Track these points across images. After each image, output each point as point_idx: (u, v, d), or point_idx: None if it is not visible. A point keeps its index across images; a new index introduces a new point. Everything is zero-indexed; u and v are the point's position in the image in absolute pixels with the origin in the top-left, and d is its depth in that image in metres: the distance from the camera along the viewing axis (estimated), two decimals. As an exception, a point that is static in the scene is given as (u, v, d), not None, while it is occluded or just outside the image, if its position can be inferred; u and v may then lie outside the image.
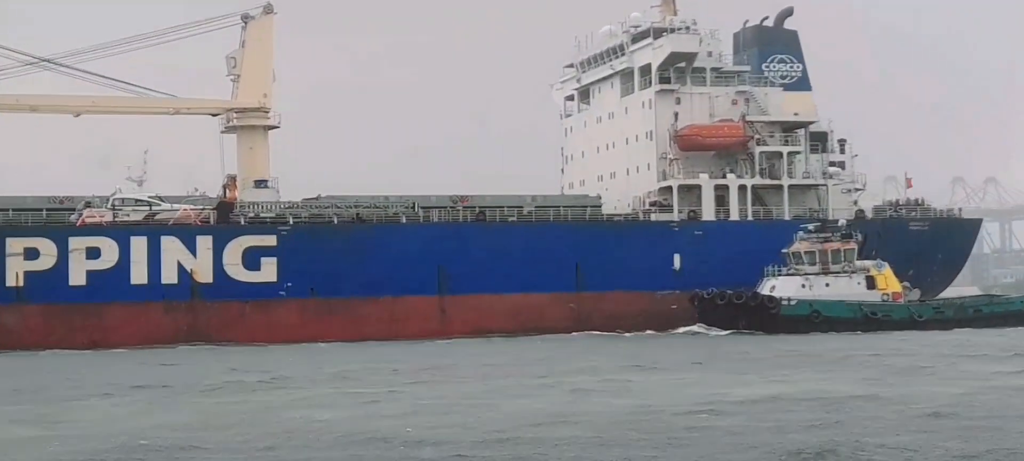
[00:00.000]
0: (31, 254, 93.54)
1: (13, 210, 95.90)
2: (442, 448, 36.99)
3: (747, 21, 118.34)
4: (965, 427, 39.46)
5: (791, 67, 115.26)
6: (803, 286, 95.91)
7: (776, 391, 50.74)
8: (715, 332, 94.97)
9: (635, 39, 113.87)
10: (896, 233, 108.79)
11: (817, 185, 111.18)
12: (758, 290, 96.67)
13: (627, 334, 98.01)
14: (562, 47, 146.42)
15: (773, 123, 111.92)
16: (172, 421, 44.66)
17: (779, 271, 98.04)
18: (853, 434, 38.06)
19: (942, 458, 34.34)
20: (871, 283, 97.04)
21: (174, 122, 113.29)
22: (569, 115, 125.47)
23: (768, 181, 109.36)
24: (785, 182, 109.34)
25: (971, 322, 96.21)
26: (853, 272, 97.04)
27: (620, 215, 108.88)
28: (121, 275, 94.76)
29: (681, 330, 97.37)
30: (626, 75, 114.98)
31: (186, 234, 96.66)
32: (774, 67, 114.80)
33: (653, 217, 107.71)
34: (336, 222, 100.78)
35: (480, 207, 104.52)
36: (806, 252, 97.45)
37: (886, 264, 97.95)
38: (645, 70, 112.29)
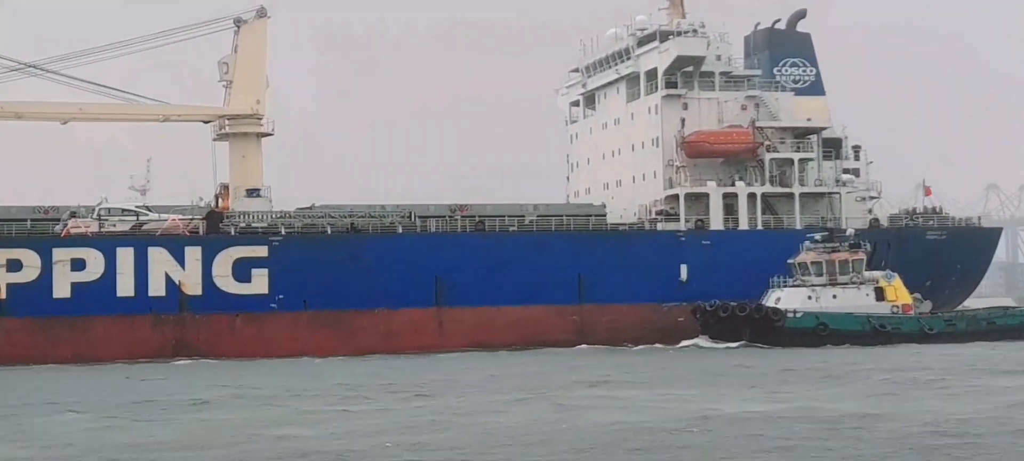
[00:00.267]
0: (14, 265, 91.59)
1: None
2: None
3: (759, 24, 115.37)
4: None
5: (804, 71, 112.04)
6: (809, 298, 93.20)
7: (745, 408, 49.35)
8: (710, 345, 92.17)
9: (641, 43, 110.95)
10: (912, 243, 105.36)
11: (830, 193, 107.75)
12: (763, 302, 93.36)
13: (636, 347, 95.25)
14: (568, 51, 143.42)
15: (784, 129, 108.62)
16: (142, 439, 43.78)
17: (785, 282, 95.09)
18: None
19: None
20: (880, 294, 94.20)
21: (176, 130, 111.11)
22: (575, 121, 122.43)
23: (779, 189, 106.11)
24: (796, 190, 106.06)
25: (985, 335, 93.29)
26: (861, 283, 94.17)
27: (625, 224, 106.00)
28: (107, 287, 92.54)
29: (685, 343, 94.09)
30: (632, 80, 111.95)
31: (174, 245, 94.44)
32: (786, 71, 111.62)
33: (659, 226, 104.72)
34: (330, 232, 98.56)
35: (479, 216, 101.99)
36: (813, 263, 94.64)
37: (896, 275, 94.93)
38: (651, 74, 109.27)
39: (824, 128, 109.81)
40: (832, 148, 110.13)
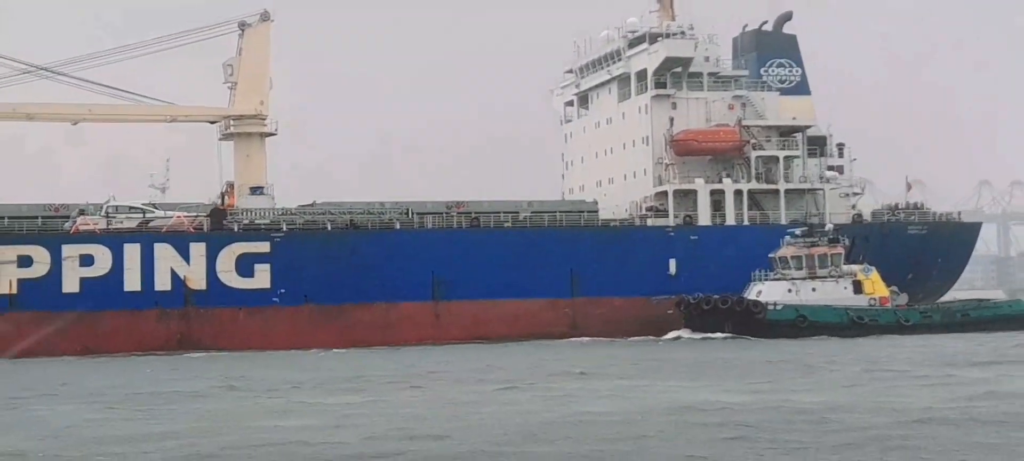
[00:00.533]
0: (25, 261, 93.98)
1: (7, 217, 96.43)
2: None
3: (746, 26, 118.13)
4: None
5: (790, 71, 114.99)
6: (789, 291, 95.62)
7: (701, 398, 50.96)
8: (693, 336, 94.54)
9: (632, 44, 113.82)
10: (894, 237, 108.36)
11: (814, 189, 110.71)
12: (745, 295, 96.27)
13: (628, 339, 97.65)
14: (563, 52, 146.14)
15: (770, 127, 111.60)
16: (131, 431, 44.66)
17: (766, 276, 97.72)
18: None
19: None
20: (858, 287, 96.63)
21: (193, 130, 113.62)
22: (569, 120, 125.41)
23: (764, 186, 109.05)
24: (781, 186, 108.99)
25: (960, 327, 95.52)
26: (840, 277, 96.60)
27: (616, 221, 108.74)
28: (115, 282, 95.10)
29: (670, 335, 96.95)
30: (623, 80, 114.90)
31: (179, 241, 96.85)
32: (773, 72, 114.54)
33: (649, 222, 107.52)
34: (330, 228, 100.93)
35: (475, 213, 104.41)
36: (793, 257, 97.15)
37: (873, 268, 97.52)
38: (641, 75, 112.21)
39: (809, 126, 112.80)
40: (817, 146, 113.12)
